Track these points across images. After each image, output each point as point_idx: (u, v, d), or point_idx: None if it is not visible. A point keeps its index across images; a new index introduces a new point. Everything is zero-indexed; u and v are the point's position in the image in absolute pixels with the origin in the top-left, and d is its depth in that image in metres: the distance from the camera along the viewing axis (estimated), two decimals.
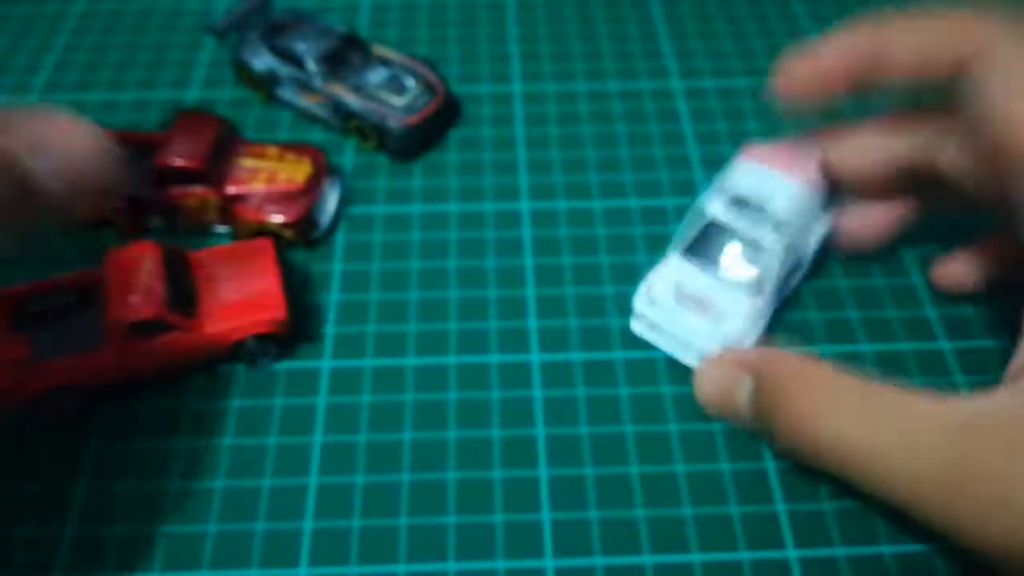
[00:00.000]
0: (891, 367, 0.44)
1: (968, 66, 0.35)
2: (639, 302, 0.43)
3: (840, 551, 0.37)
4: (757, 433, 0.38)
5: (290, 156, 0.49)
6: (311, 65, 0.53)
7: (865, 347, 0.44)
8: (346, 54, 0.55)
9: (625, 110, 0.58)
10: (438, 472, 0.40)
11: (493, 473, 0.40)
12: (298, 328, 0.45)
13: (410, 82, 0.54)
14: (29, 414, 0.40)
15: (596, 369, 0.43)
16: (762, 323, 0.42)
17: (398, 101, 0.52)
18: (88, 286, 0.43)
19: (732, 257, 0.42)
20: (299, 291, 0.47)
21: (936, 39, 0.36)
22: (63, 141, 0.29)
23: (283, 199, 0.48)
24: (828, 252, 0.48)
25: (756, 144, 0.44)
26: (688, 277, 0.42)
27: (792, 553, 0.37)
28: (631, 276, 0.48)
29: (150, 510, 0.38)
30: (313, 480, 0.39)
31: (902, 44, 0.37)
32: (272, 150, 0.50)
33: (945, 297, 0.47)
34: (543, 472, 0.40)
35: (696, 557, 0.37)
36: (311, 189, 0.48)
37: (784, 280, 0.43)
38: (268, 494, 0.39)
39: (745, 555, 0.37)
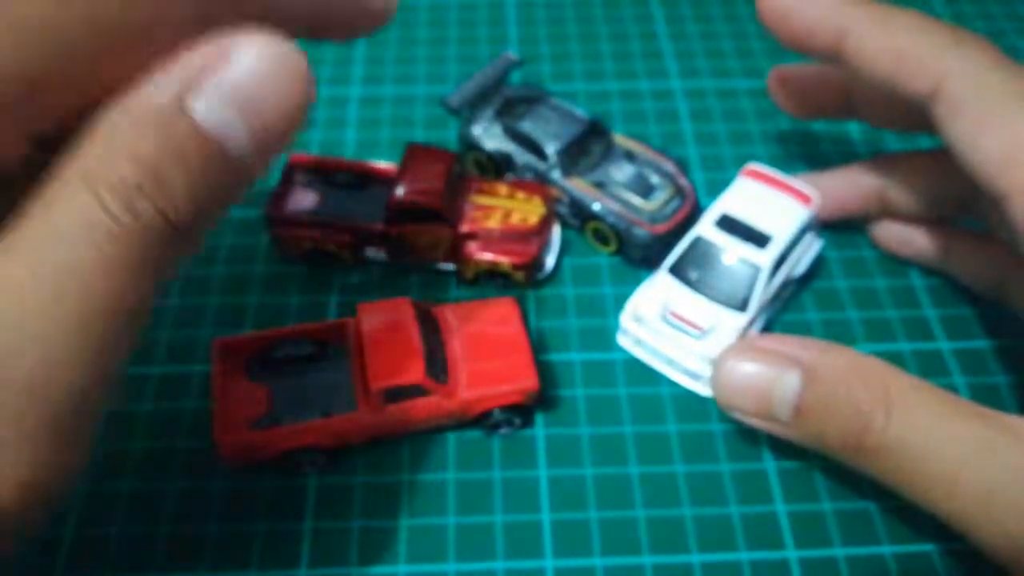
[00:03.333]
0: None
1: (926, 102, 0.36)
2: (625, 318, 0.43)
3: (840, 551, 0.37)
4: (795, 437, 0.35)
5: (520, 194, 0.47)
6: (552, 156, 0.48)
7: (865, 347, 0.44)
8: (587, 143, 0.49)
9: (624, 110, 0.58)
10: (439, 473, 0.40)
11: (493, 474, 0.40)
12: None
13: (657, 182, 0.48)
14: (272, 466, 0.39)
15: (595, 369, 0.44)
16: None
17: (645, 205, 0.46)
18: (327, 335, 0.41)
19: (719, 275, 0.42)
20: None
21: (897, 66, 0.36)
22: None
23: (516, 239, 0.45)
24: (818, 271, 0.48)
25: (757, 165, 0.44)
26: (674, 294, 0.42)
27: (792, 553, 0.37)
28: (632, 278, 0.48)
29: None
30: (312, 481, 0.39)
31: (870, 49, 0.37)
32: (502, 187, 0.47)
33: (944, 298, 0.47)
34: (543, 472, 0.40)
35: (696, 558, 0.37)
36: (543, 230, 0.46)
37: (772, 298, 0.43)
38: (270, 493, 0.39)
39: (744, 555, 0.37)
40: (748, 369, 0.35)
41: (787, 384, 0.34)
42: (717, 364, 0.36)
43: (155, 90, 0.24)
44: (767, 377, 0.34)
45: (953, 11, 0.67)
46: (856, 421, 0.32)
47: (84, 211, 0.22)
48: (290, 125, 0.25)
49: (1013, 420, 0.31)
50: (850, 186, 0.46)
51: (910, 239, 0.46)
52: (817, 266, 0.47)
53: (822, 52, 0.39)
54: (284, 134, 0.25)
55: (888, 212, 0.46)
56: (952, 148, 0.34)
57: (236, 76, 0.24)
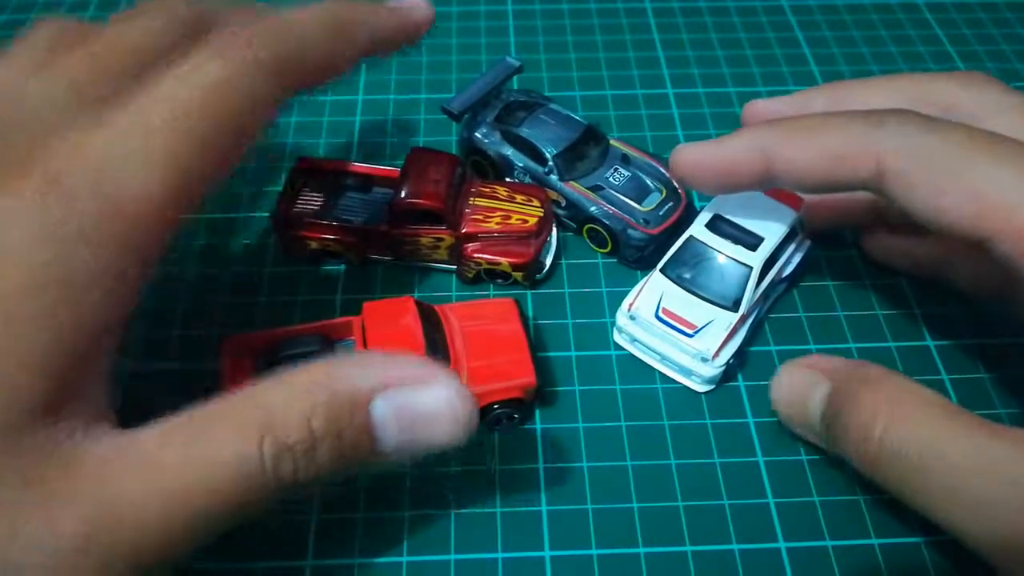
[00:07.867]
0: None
1: (875, 185, 0.35)
2: (620, 316, 0.44)
3: (829, 543, 0.38)
4: (824, 442, 0.37)
5: (520, 197, 0.48)
6: (550, 160, 0.49)
7: (852, 345, 0.46)
8: (585, 148, 0.50)
9: (620, 116, 0.59)
10: (440, 467, 0.41)
11: (493, 467, 0.41)
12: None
13: (652, 185, 0.49)
14: None
15: (591, 366, 0.45)
16: (740, 339, 0.43)
17: (641, 208, 0.48)
18: (333, 333, 0.41)
19: (711, 274, 0.43)
20: None
21: (832, 165, 0.36)
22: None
23: (515, 240, 0.46)
24: (806, 271, 0.49)
25: None
26: (668, 293, 0.43)
27: (782, 544, 0.38)
28: (627, 278, 0.49)
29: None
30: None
31: (800, 159, 0.37)
32: (502, 190, 0.48)
33: (931, 296, 0.48)
34: (541, 466, 0.41)
35: (689, 548, 0.38)
36: (542, 231, 0.47)
37: (763, 297, 0.45)
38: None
39: (736, 546, 0.38)
40: (792, 380, 0.38)
41: (816, 397, 0.36)
42: (774, 377, 0.39)
43: (359, 378, 0.29)
44: (804, 390, 0.37)
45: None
46: (859, 432, 0.34)
47: (245, 450, 0.27)
48: (426, 452, 0.30)
49: (1018, 433, 0.31)
50: (844, 194, 0.46)
51: (906, 249, 0.46)
52: (806, 266, 0.49)
53: (753, 182, 0.39)
54: (417, 455, 0.30)
55: (883, 220, 0.46)
56: (916, 216, 0.34)
57: (419, 402, 0.29)
